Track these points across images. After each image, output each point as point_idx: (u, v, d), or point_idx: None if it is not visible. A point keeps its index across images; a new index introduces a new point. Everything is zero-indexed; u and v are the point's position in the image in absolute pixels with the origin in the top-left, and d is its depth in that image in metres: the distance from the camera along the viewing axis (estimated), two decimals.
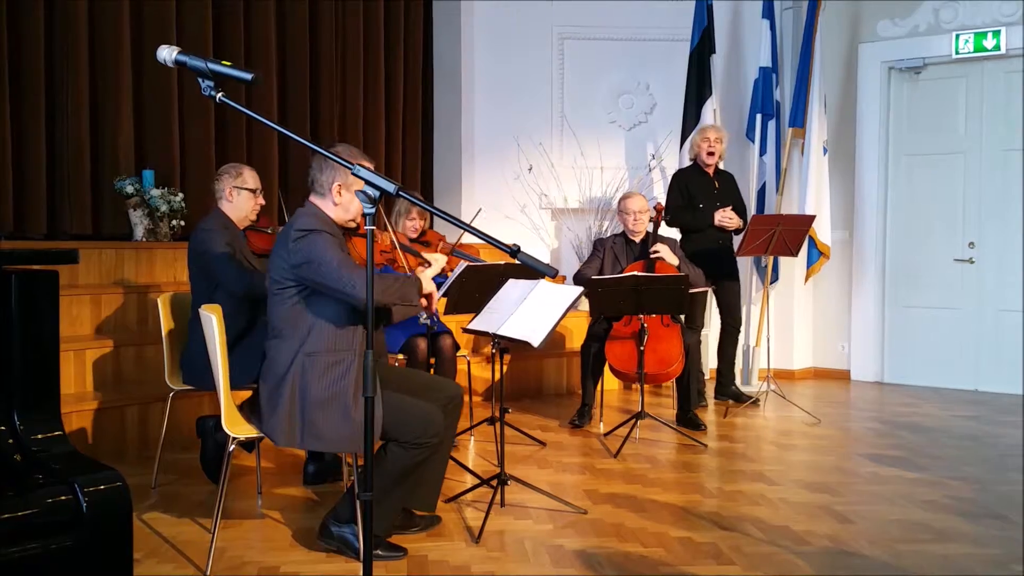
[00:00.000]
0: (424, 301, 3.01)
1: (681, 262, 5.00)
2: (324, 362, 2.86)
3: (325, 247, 2.79)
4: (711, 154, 5.50)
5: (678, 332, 4.89)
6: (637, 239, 5.16)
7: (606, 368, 5.05)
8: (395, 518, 3.10)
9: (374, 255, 1.98)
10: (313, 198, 2.98)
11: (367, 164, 2.49)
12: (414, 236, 4.68)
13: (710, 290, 5.58)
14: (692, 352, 4.96)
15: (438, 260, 3.19)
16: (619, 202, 5.27)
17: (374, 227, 1.95)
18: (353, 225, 3.09)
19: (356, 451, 2.94)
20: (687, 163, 5.91)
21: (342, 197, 2.94)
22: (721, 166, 5.69)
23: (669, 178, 5.97)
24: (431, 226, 4.93)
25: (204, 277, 3.72)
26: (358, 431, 2.79)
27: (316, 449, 3.02)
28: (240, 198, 3.84)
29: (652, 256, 4.93)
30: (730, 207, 5.45)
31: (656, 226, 5.02)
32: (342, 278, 2.73)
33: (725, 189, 5.59)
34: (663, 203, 5.22)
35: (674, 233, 5.65)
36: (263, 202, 3.96)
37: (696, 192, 5.51)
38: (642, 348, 4.59)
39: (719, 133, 5.56)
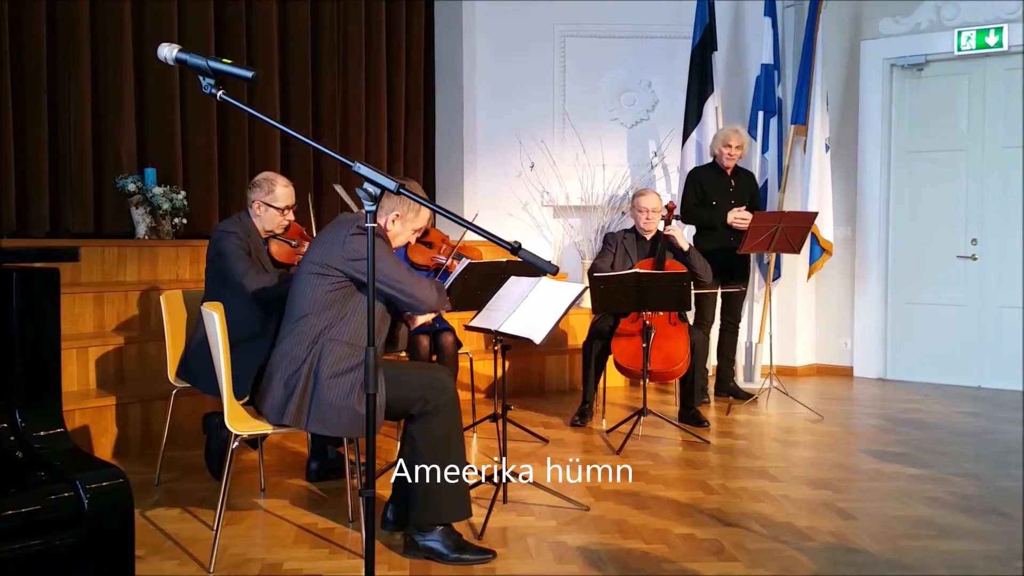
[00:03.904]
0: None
1: (690, 249, 4.99)
2: (341, 351, 2.89)
3: (386, 250, 2.93)
4: (730, 157, 5.51)
5: (685, 331, 4.89)
6: (648, 237, 5.16)
7: (610, 364, 5.05)
8: (466, 496, 3.01)
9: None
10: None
11: (419, 192, 2.81)
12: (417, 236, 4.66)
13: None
14: (699, 350, 4.95)
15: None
16: (633, 198, 5.23)
17: (375, 224, 1.95)
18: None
19: (357, 437, 2.99)
20: (690, 159, 5.90)
21: (393, 227, 3.06)
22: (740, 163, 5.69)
23: (671, 175, 5.97)
24: (434, 224, 4.93)
25: (217, 278, 3.68)
26: (359, 419, 2.83)
27: (318, 432, 3.03)
28: (267, 214, 3.76)
29: (666, 234, 4.93)
30: (744, 207, 5.43)
31: (667, 224, 5.01)
32: (401, 282, 2.90)
33: (741, 188, 5.58)
34: (674, 202, 5.21)
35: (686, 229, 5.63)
36: (292, 218, 3.87)
37: (710, 190, 5.49)
38: (646, 346, 4.59)
39: (741, 140, 5.51)
